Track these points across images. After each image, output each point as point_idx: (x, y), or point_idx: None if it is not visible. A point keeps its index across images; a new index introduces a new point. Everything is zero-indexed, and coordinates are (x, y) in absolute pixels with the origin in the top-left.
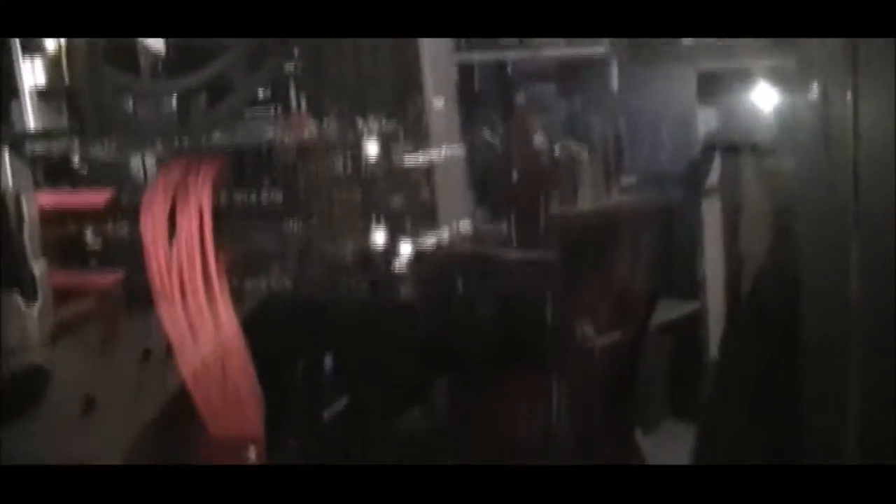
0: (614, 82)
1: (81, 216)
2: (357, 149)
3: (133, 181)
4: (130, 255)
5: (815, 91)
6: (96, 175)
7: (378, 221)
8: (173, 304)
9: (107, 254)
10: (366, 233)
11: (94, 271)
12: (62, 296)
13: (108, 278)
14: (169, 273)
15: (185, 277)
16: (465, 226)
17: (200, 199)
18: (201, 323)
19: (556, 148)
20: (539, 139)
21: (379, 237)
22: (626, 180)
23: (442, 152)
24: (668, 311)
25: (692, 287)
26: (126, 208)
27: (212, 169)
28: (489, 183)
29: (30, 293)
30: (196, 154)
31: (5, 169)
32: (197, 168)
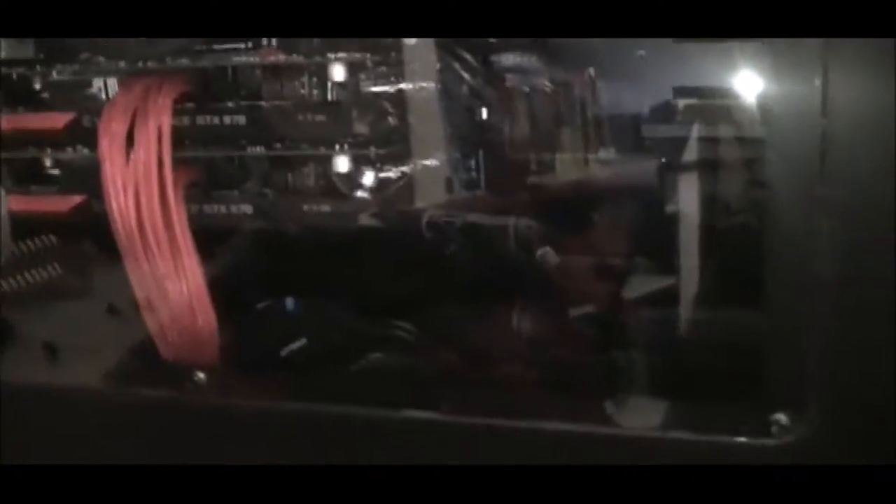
0: None
1: (41, 139)
2: (323, 74)
3: (94, 103)
4: (91, 179)
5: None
6: (56, 98)
7: (342, 148)
8: (129, 227)
9: (66, 178)
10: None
11: (53, 196)
12: (20, 222)
13: (67, 203)
14: (125, 194)
15: (142, 200)
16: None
17: (160, 120)
18: (157, 248)
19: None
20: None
21: (342, 164)
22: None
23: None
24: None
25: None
26: (87, 131)
27: (173, 89)
28: (461, 119)
29: None
30: (158, 74)
31: None
32: (158, 87)
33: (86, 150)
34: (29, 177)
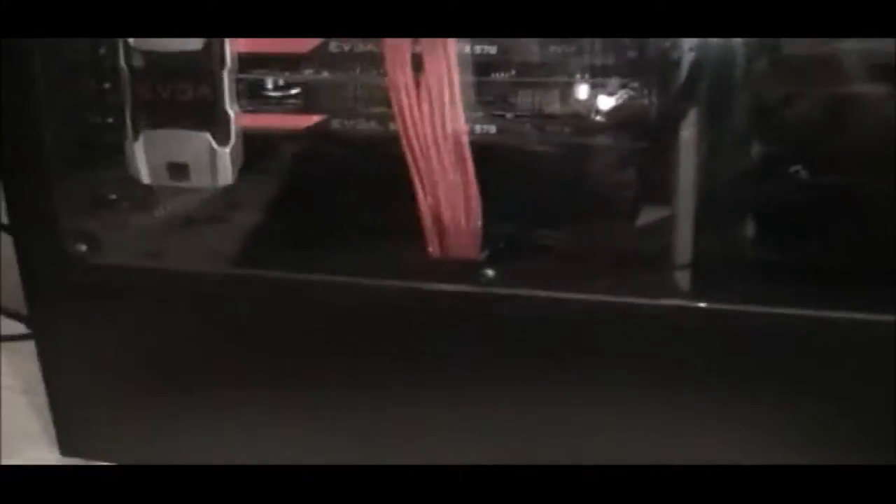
0: None
1: (282, 61)
2: None
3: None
4: (330, 100)
5: None
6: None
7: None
8: (422, 138)
9: (306, 98)
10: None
11: (289, 114)
12: (256, 138)
13: (303, 120)
14: (420, 111)
15: (436, 116)
16: None
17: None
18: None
19: None
20: None
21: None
22: None
23: None
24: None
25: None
26: (331, 55)
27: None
28: None
29: (223, 136)
30: None
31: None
32: None
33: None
34: (267, 97)
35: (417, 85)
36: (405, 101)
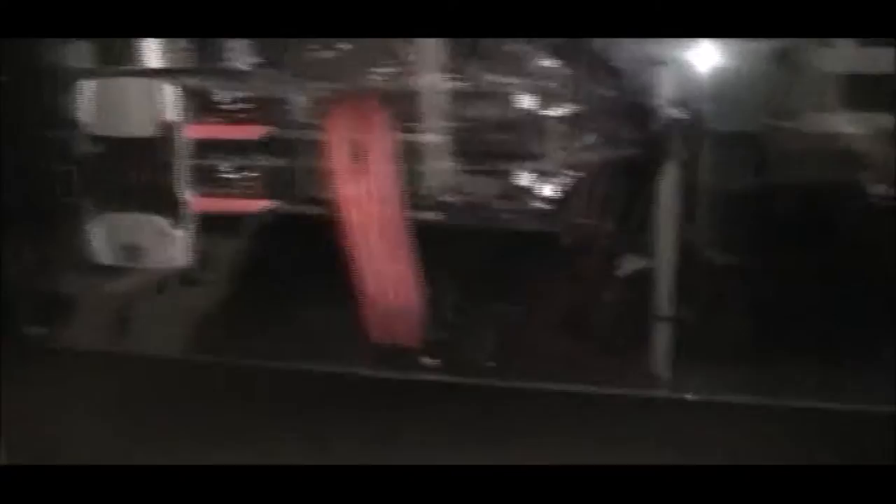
0: None
1: (232, 148)
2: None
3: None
4: (281, 185)
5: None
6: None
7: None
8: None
9: (258, 182)
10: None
11: (242, 199)
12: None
13: (254, 205)
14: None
15: (373, 200)
16: None
17: (384, 133)
18: (381, 239)
19: None
20: None
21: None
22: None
23: None
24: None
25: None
26: (280, 142)
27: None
28: None
29: (178, 219)
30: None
31: (168, 100)
32: (374, 106)
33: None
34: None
35: (358, 172)
36: (346, 188)
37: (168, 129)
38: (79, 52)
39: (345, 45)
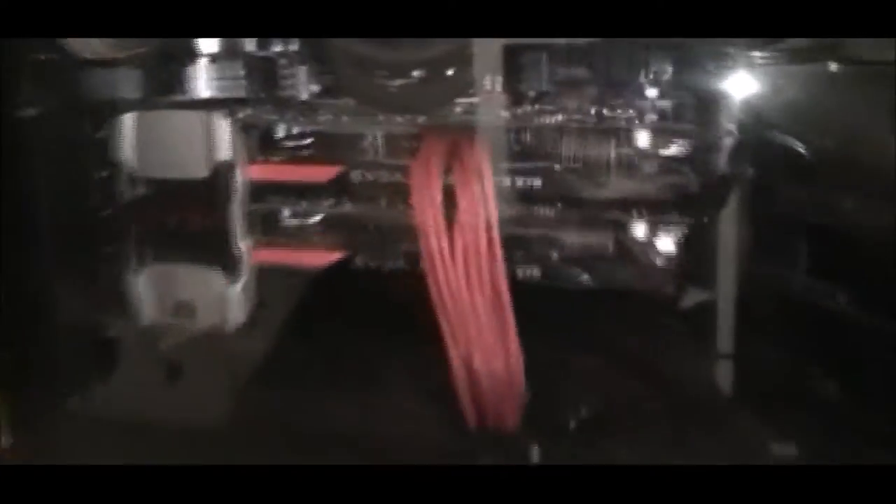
0: None
1: (300, 191)
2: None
3: (365, 156)
4: (353, 234)
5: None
6: (322, 148)
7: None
8: (453, 287)
9: (326, 232)
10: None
11: (308, 250)
12: (269, 274)
13: (324, 257)
14: (451, 255)
15: (470, 260)
16: None
17: (482, 178)
18: (482, 308)
19: None
20: None
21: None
22: None
23: None
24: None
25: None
26: (356, 185)
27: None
28: None
29: (234, 273)
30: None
31: (220, 137)
32: (469, 144)
33: (349, 206)
34: (277, 229)
35: (450, 225)
36: (434, 243)
37: (223, 169)
38: (120, 80)
39: (420, 73)
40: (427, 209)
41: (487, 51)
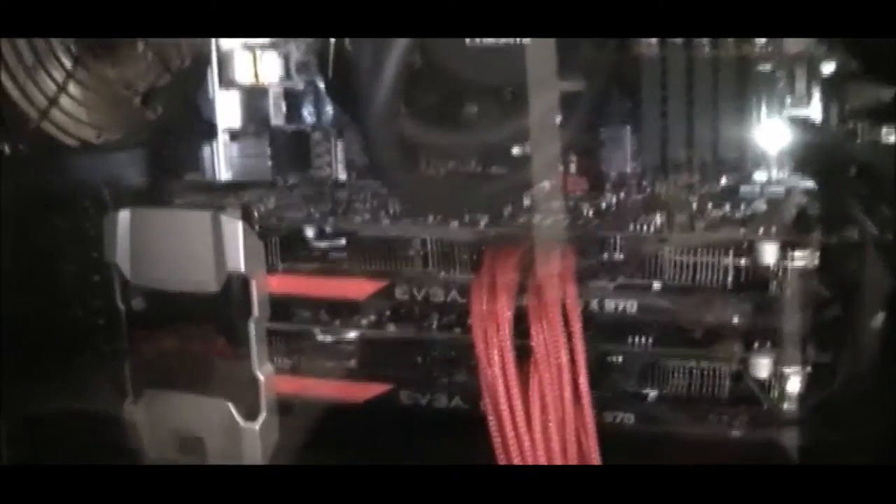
0: None
1: (333, 309)
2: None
3: (408, 266)
4: (396, 360)
5: None
6: (357, 255)
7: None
8: (523, 439)
9: (366, 360)
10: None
11: (343, 380)
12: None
13: (362, 390)
14: (524, 398)
15: (548, 406)
16: None
17: (567, 304)
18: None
19: None
20: None
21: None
22: None
23: None
24: None
25: None
26: (395, 304)
27: (566, 259)
28: None
29: (251, 406)
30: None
31: (234, 244)
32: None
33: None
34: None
35: (521, 360)
36: (500, 382)
37: (238, 282)
38: (111, 168)
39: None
40: (490, 337)
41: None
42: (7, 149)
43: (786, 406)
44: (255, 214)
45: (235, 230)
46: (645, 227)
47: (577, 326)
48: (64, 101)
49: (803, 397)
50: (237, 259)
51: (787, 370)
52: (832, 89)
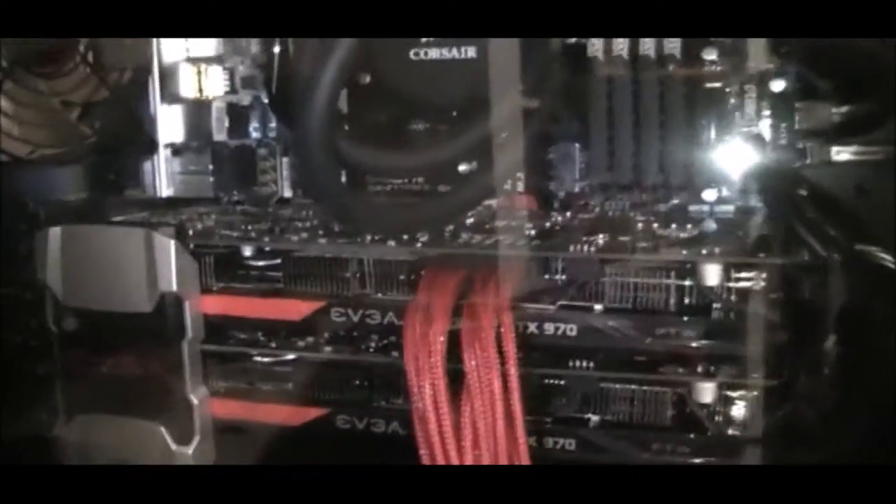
0: None
1: (269, 330)
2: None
3: (348, 287)
4: (333, 383)
5: None
6: (293, 276)
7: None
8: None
9: (303, 383)
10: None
11: (279, 404)
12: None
13: (299, 414)
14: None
15: (480, 436)
16: None
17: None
18: None
19: None
20: None
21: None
22: None
23: None
24: None
25: None
26: (333, 325)
27: (503, 287)
28: None
29: (184, 430)
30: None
31: (167, 263)
32: (483, 280)
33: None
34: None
35: (454, 386)
36: (431, 410)
37: (172, 302)
38: (43, 180)
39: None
40: (422, 364)
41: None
42: None
43: (730, 431)
44: (190, 232)
45: (168, 249)
46: (587, 248)
47: (511, 351)
48: None
49: (749, 422)
50: (170, 278)
51: (731, 394)
52: (782, 108)
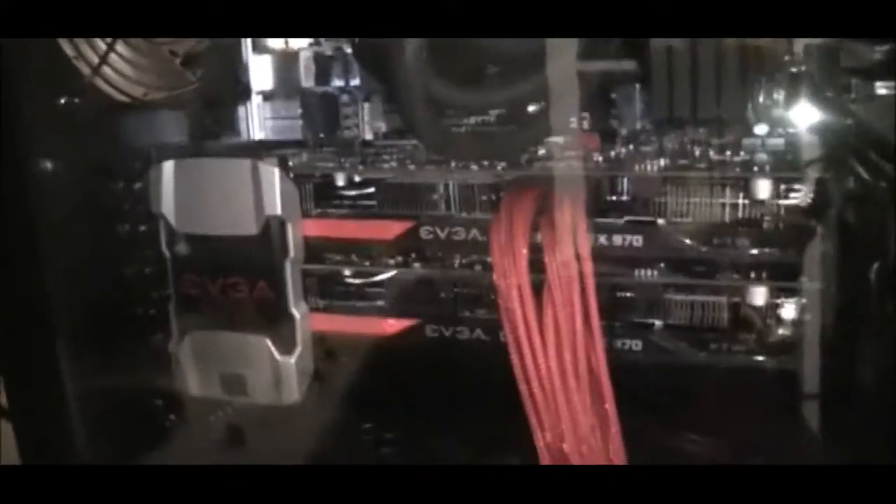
0: None
1: (362, 250)
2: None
3: (434, 209)
4: (422, 299)
5: None
6: (385, 200)
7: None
8: (542, 368)
9: (392, 297)
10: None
11: (372, 317)
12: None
13: (390, 325)
14: (540, 328)
15: (562, 333)
16: None
17: (578, 239)
18: (574, 385)
19: None
20: None
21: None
22: None
23: None
24: None
25: None
26: (421, 243)
27: (578, 201)
28: None
29: (287, 342)
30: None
31: (272, 189)
32: (564, 199)
33: (417, 265)
34: (337, 293)
35: (537, 291)
36: (518, 312)
37: (276, 225)
38: (157, 125)
39: (496, 113)
40: (509, 272)
41: (570, 84)
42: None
43: (780, 331)
44: (290, 164)
45: (273, 176)
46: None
47: (586, 259)
48: (113, 59)
49: (797, 323)
50: (274, 203)
51: (781, 299)
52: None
